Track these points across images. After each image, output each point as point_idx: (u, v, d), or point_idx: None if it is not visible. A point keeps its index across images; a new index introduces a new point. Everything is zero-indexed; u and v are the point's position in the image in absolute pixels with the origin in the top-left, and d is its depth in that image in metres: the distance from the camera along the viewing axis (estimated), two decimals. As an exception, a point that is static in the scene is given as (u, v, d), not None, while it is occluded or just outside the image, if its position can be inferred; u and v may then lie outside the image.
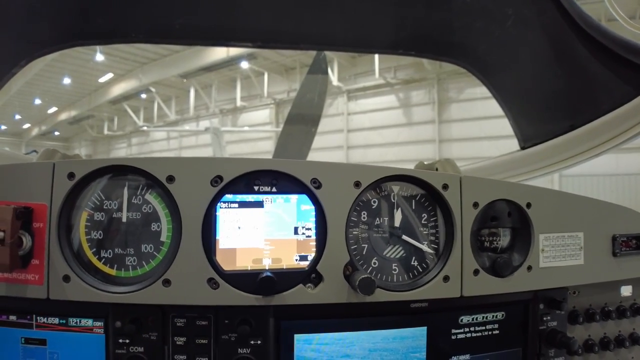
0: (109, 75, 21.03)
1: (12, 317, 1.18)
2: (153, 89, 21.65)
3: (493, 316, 1.35)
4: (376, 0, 2.03)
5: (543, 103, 2.10)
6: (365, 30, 2.23)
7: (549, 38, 1.90)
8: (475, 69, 2.31)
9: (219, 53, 17.61)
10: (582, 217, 1.37)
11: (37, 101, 23.03)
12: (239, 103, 21.16)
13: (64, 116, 25.98)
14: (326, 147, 17.19)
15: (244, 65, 18.80)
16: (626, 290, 1.53)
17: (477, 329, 1.34)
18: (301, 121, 3.47)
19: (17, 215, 1.00)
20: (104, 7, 1.94)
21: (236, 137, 20.52)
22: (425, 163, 1.51)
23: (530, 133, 2.12)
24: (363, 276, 1.09)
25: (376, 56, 16.16)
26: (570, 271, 1.34)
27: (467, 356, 1.33)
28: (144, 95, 23.38)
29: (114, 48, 17.05)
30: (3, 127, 25.60)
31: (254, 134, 20.19)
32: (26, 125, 26.88)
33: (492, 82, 2.29)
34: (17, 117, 24.68)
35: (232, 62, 18.48)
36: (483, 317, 1.34)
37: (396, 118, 17.76)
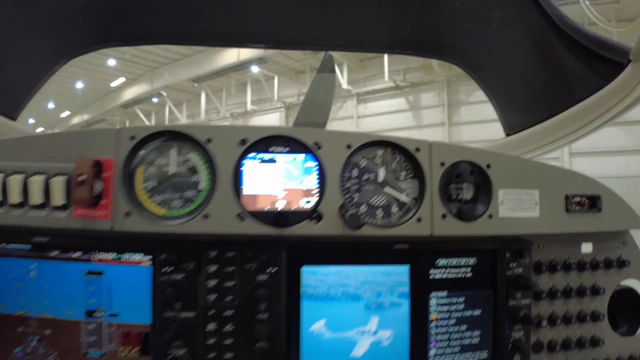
0: (121, 80, 21.40)
1: (77, 254, 1.45)
2: (164, 93, 21.95)
3: (466, 261, 1.60)
4: (374, 6, 2.28)
5: (525, 95, 2.36)
6: (366, 33, 2.51)
7: (531, 38, 2.14)
8: (465, 66, 2.58)
9: (230, 57, 17.88)
10: (538, 178, 1.59)
11: (51, 105, 23.44)
12: (249, 107, 21.36)
13: (76, 120, 26.39)
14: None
15: (254, 69, 19.02)
16: (586, 248, 1.74)
17: (452, 270, 1.58)
18: (310, 120, 3.71)
19: (93, 165, 1.31)
20: (131, 13, 2.24)
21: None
22: None
23: (514, 122, 2.38)
24: (351, 212, 1.39)
25: (385, 59, 16.29)
26: (527, 221, 1.55)
27: (445, 293, 1.57)
28: (155, 99, 23.69)
29: (126, 52, 17.46)
30: (17, 131, 25.92)
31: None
32: (40, 129, 27.32)
33: (481, 77, 2.55)
34: (31, 121, 25.06)
35: (243, 66, 18.76)
36: (457, 261, 1.59)
37: (405, 121, 17.85)
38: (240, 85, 21.16)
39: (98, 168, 1.35)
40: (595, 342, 1.72)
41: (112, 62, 18.58)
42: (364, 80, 18.89)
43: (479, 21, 2.25)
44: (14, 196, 1.35)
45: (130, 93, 22.77)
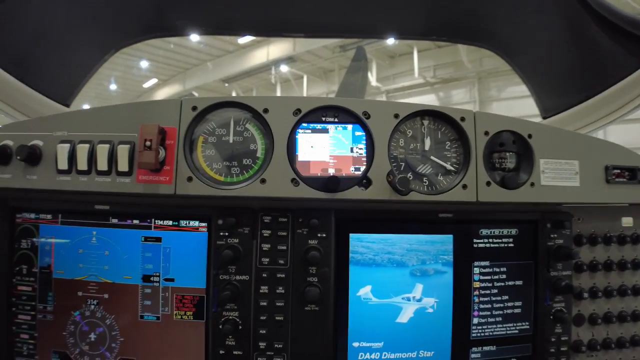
0: (153, 81, 21.61)
1: (136, 221, 1.55)
2: (196, 94, 21.89)
3: (508, 231, 1.64)
4: None
5: (561, 78, 2.36)
6: (403, 20, 2.53)
7: (565, 20, 2.13)
8: (500, 51, 2.59)
9: (259, 57, 17.95)
10: (577, 149, 1.60)
11: (86, 106, 23.79)
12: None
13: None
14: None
15: (284, 68, 19.07)
16: (627, 222, 1.76)
17: (494, 241, 1.63)
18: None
19: (159, 132, 1.38)
20: (176, 4, 2.31)
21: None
22: None
23: (550, 105, 2.40)
24: (401, 176, 1.42)
25: (415, 55, 16.06)
26: (568, 190, 1.57)
27: (487, 262, 1.62)
28: (187, 100, 23.79)
29: (158, 54, 17.71)
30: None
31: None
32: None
33: (516, 62, 2.56)
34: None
35: (272, 66, 18.81)
36: (499, 232, 1.63)
37: (436, 117, 17.53)
38: (270, 84, 21.17)
39: (162, 135, 1.43)
40: (636, 316, 1.73)
41: (144, 63, 18.80)
42: (394, 77, 18.45)
43: (514, 5, 2.25)
44: (81, 163, 1.44)
45: (162, 94, 22.80)
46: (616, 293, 1.72)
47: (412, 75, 17.05)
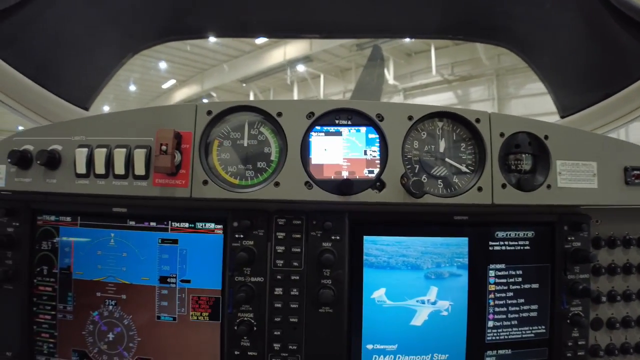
0: (172, 82, 21.77)
1: (153, 223, 1.58)
2: (214, 94, 22.08)
3: (524, 234, 1.61)
4: None
5: (580, 75, 2.32)
6: (418, 18, 2.50)
7: (584, 16, 2.10)
8: (518, 50, 2.55)
9: (277, 57, 17.97)
10: (595, 150, 1.57)
11: (106, 108, 24.06)
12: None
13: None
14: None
15: (301, 68, 19.06)
16: None
17: (510, 243, 1.61)
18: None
19: (175, 136, 1.40)
20: (193, 7, 2.32)
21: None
22: None
23: (569, 103, 2.36)
24: (415, 178, 1.42)
25: (432, 53, 15.94)
26: (585, 192, 1.54)
27: (503, 265, 1.60)
28: (205, 101, 23.92)
29: (175, 55, 17.87)
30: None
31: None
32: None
33: (534, 60, 2.52)
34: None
35: (289, 65, 18.81)
36: (515, 234, 1.61)
37: (454, 115, 17.31)
38: (287, 84, 21.14)
39: (178, 139, 1.45)
40: None
41: (162, 65, 18.94)
42: (411, 75, 18.18)
43: (531, 2, 2.22)
44: (99, 167, 1.47)
45: (181, 94, 22.96)
46: (635, 297, 1.68)
47: (430, 73, 16.82)
